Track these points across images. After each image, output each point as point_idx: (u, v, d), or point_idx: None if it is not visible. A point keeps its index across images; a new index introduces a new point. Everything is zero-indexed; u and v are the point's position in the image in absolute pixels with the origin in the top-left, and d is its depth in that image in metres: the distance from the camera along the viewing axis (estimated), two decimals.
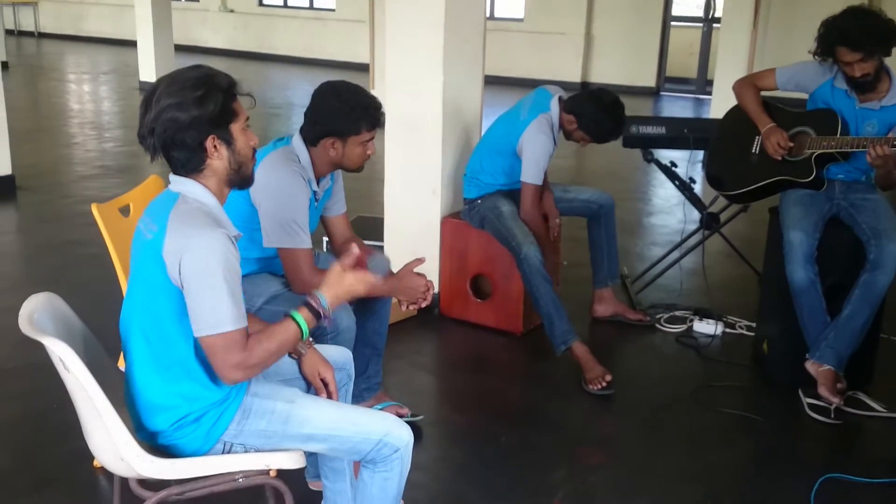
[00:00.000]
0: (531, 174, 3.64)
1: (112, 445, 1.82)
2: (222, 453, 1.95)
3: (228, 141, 1.88)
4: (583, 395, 3.38)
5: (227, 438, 1.94)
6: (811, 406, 3.24)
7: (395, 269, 2.77)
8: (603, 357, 3.51)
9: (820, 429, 3.17)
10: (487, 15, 4.50)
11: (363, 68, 9.84)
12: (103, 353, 2.11)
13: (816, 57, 3.35)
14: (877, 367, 3.47)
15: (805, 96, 3.52)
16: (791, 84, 3.53)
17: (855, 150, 3.27)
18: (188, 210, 1.82)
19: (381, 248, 4.16)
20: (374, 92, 2.69)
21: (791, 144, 3.45)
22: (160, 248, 1.78)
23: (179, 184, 1.88)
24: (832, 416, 3.19)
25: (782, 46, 9.70)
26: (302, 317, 1.91)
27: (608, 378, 3.38)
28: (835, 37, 3.22)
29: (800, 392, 3.31)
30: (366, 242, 2.87)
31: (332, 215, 2.87)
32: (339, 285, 1.98)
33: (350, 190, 3.13)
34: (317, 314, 1.93)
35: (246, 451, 1.96)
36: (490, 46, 4.39)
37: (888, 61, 3.30)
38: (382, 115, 2.63)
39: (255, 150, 1.97)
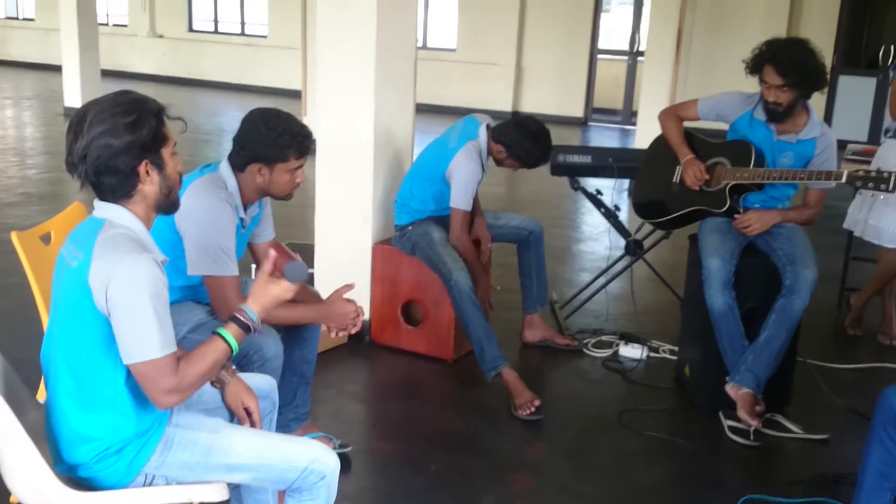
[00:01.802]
0: (460, 200, 3.68)
1: (30, 479, 1.77)
2: (144, 486, 1.90)
3: (160, 165, 1.87)
4: (512, 420, 3.41)
5: (148, 470, 1.90)
6: (732, 428, 3.34)
7: (324, 296, 2.78)
8: (532, 382, 3.55)
9: (740, 450, 3.26)
10: (420, 45, 4.56)
11: (295, 95, 9.81)
12: (21, 384, 2.05)
13: (746, 69, 3.45)
14: (793, 390, 3.59)
15: (726, 126, 3.66)
16: (712, 114, 3.65)
17: (767, 182, 3.41)
18: (114, 236, 1.79)
19: (312, 274, 4.14)
20: (305, 119, 2.70)
21: (707, 177, 3.57)
22: (86, 276, 1.75)
23: (105, 210, 1.86)
24: (752, 437, 3.28)
25: (703, 79, 10.06)
26: (230, 333, 1.90)
27: (537, 403, 3.42)
28: (769, 55, 3.32)
29: (721, 415, 3.41)
30: None
31: (260, 242, 2.85)
32: (264, 295, 1.97)
33: (281, 216, 3.11)
34: (245, 328, 1.92)
35: (168, 484, 1.92)
36: (423, 75, 4.45)
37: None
38: (312, 143, 2.63)
39: (181, 175, 1.96)
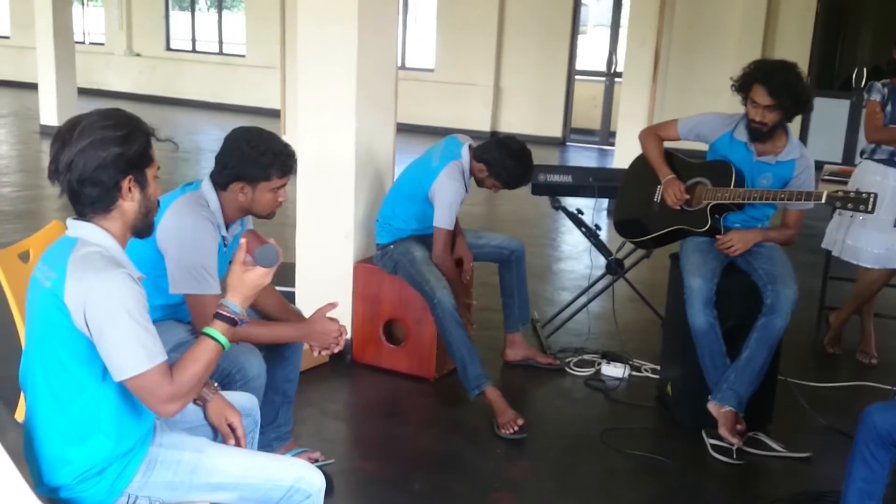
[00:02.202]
0: (443, 219, 3.68)
1: (10, 501, 1.73)
2: None
3: (143, 185, 1.87)
4: (495, 439, 3.40)
5: (131, 491, 1.87)
6: (714, 447, 3.34)
7: (306, 315, 2.75)
8: (515, 401, 3.54)
9: (723, 469, 3.27)
10: (399, 65, 4.57)
11: (274, 114, 9.80)
12: (0, 404, 2.01)
13: (733, 87, 3.50)
14: (775, 408, 3.61)
15: (706, 147, 3.69)
16: (692, 134, 3.69)
17: (747, 202, 3.45)
18: (87, 254, 1.77)
19: (293, 293, 4.12)
20: (285, 138, 2.68)
21: (687, 196, 3.60)
22: (61, 296, 1.73)
23: (78, 228, 1.84)
24: (734, 456, 3.29)
25: (679, 100, 10.16)
26: (217, 330, 1.88)
27: (520, 422, 3.41)
28: (760, 75, 3.37)
29: (703, 433, 3.41)
30: (277, 289, 2.83)
31: None
32: (243, 285, 1.96)
33: (262, 234, 3.09)
34: (230, 321, 1.91)
35: None
36: (401, 95, 4.45)
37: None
38: (294, 162, 2.62)
39: (158, 202, 1.95)
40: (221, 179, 2.58)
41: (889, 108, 4.13)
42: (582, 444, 3.43)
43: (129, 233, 1.90)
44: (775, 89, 3.33)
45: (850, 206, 3.28)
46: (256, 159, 2.53)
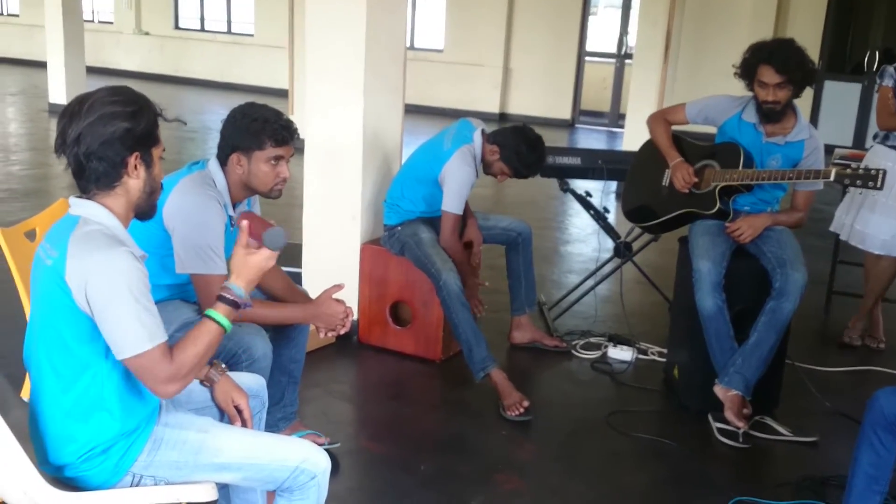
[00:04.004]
0: (452, 204, 3.66)
1: (15, 479, 1.74)
2: (131, 486, 1.88)
3: (149, 163, 1.87)
4: (501, 421, 3.40)
5: (136, 470, 1.87)
6: (721, 430, 3.34)
7: (312, 296, 2.75)
8: (521, 383, 3.54)
9: (729, 452, 3.26)
10: (408, 45, 4.54)
11: (282, 94, 9.76)
12: (4, 382, 2.02)
13: (737, 75, 3.48)
14: (782, 392, 3.60)
15: (714, 130, 3.66)
16: (700, 118, 3.66)
17: (756, 182, 3.42)
18: (88, 233, 1.77)
19: (300, 274, 4.12)
20: (293, 117, 2.67)
21: (696, 179, 3.58)
22: (62, 274, 1.73)
23: (80, 206, 1.83)
24: (741, 440, 3.28)
25: (691, 82, 10.09)
26: (219, 312, 1.88)
27: (526, 404, 3.41)
28: (764, 55, 3.35)
29: (709, 417, 3.41)
30: (284, 269, 2.83)
31: None
32: (246, 268, 1.94)
33: (268, 215, 3.06)
34: (233, 304, 1.90)
35: (156, 484, 1.90)
36: (410, 76, 4.43)
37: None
38: (291, 132, 2.56)
39: (161, 184, 1.95)
40: (222, 154, 2.58)
41: None
42: (588, 427, 3.43)
43: (131, 212, 1.90)
44: (782, 65, 3.31)
45: (859, 182, 3.26)
46: (248, 126, 2.52)
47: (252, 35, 14.89)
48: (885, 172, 3.25)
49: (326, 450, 2.23)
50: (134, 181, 1.85)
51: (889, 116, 4.14)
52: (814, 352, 4.18)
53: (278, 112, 2.59)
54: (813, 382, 3.72)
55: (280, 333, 2.76)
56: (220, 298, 1.90)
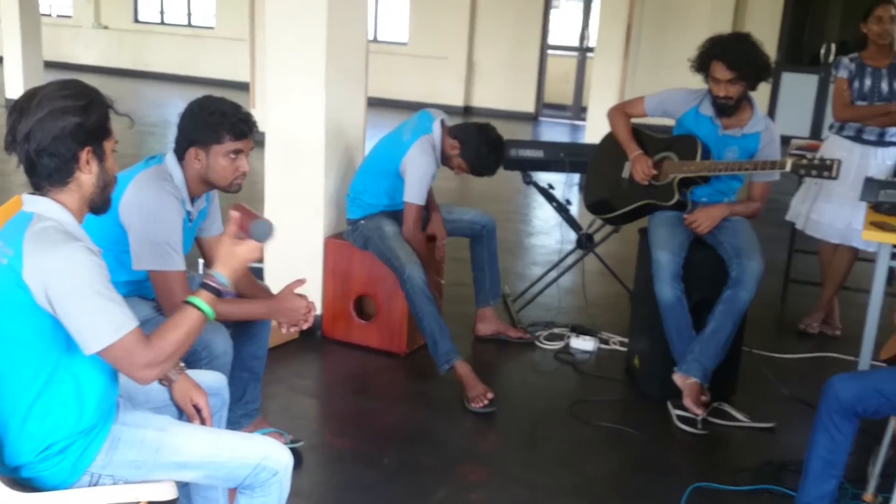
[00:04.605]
0: (413, 194, 3.67)
1: None
2: (89, 486, 1.86)
3: (101, 157, 1.84)
4: (465, 413, 3.42)
5: (94, 470, 1.85)
6: (680, 418, 3.39)
7: (274, 291, 2.74)
8: (485, 375, 3.56)
9: (689, 439, 3.31)
10: (371, 38, 4.53)
11: (243, 87, 9.66)
12: None
13: (693, 68, 3.53)
14: (740, 379, 3.66)
15: (673, 122, 3.71)
16: (659, 111, 3.71)
17: (713, 174, 3.48)
18: (43, 229, 1.74)
19: (261, 269, 4.09)
20: (254, 110, 2.65)
21: (655, 171, 3.62)
22: (19, 272, 1.70)
23: (33, 203, 1.81)
24: (699, 426, 3.34)
25: (651, 75, 10.17)
26: (201, 299, 1.87)
27: (490, 396, 3.43)
28: (717, 51, 3.41)
29: (669, 404, 3.46)
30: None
31: (207, 236, 2.80)
32: (232, 257, 1.94)
33: (229, 209, 3.06)
34: (216, 292, 1.89)
35: (115, 483, 1.88)
36: (374, 69, 4.41)
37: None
38: (249, 125, 2.54)
39: (115, 177, 1.93)
40: (180, 149, 2.55)
41: (856, 84, 4.16)
42: (551, 417, 3.46)
43: (85, 207, 1.87)
44: (734, 62, 3.36)
45: (814, 172, 3.33)
46: (205, 120, 2.49)
47: (213, 28, 14.72)
48: (839, 162, 3.32)
49: (290, 447, 2.23)
50: (87, 176, 1.83)
51: (844, 107, 4.21)
52: (771, 339, 4.26)
53: (237, 105, 2.57)
54: (770, 369, 3.79)
55: (241, 330, 2.75)
56: (204, 286, 1.89)
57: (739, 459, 3.20)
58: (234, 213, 2.00)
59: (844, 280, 4.42)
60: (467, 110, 12.60)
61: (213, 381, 2.25)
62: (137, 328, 1.77)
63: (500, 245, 4.23)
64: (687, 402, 3.35)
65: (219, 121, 2.49)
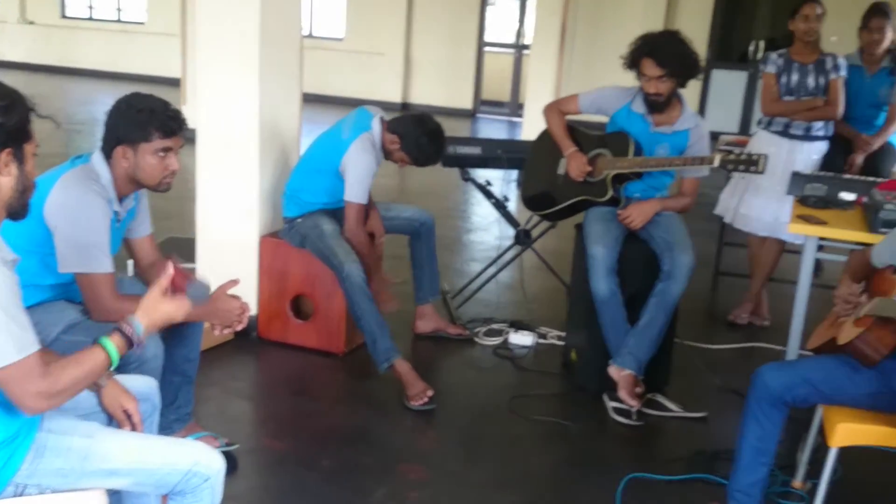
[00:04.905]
0: (355, 193, 3.64)
1: None
2: (14, 496, 1.79)
3: (21, 160, 1.77)
4: (405, 412, 3.41)
5: (19, 480, 1.79)
6: (615, 410, 3.44)
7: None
8: (425, 373, 3.55)
9: (625, 431, 3.37)
10: (306, 33, 4.47)
11: (174, 83, 9.46)
12: None
13: (624, 65, 3.58)
14: (672, 371, 3.74)
15: (606, 119, 3.76)
16: (593, 108, 3.76)
17: (645, 170, 3.54)
18: None
19: (194, 269, 4.01)
20: (185, 107, 2.59)
21: (589, 168, 3.67)
22: None
23: None
24: (634, 418, 3.40)
25: (586, 72, 10.32)
26: (113, 344, 1.81)
27: (430, 393, 3.43)
28: (647, 49, 3.47)
29: (605, 397, 3.51)
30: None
31: (136, 237, 2.73)
32: (155, 311, 1.90)
33: (159, 209, 3.00)
34: (129, 341, 1.84)
35: (41, 493, 1.82)
36: (310, 65, 4.36)
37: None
38: (179, 123, 2.48)
39: (34, 183, 1.85)
40: (107, 147, 2.48)
41: (784, 79, 4.28)
42: (490, 413, 3.47)
43: (3, 212, 1.80)
44: (663, 59, 3.43)
45: (742, 167, 3.41)
46: (134, 118, 2.43)
47: (143, 23, 14.38)
48: (766, 157, 3.41)
49: (225, 451, 2.19)
50: (5, 179, 1.75)
51: (772, 103, 4.34)
52: (702, 330, 4.36)
53: (165, 102, 2.51)
54: (701, 360, 3.88)
55: (172, 332, 2.68)
56: (118, 330, 1.84)
57: (673, 449, 3.26)
58: (169, 269, 1.94)
59: (772, 272, 4.55)
60: (405, 107, 12.56)
61: (143, 385, 2.19)
62: (39, 354, 1.70)
63: (439, 242, 4.23)
64: (622, 393, 3.40)
65: (147, 118, 2.43)
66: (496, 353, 4.04)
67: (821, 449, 2.71)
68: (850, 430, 2.45)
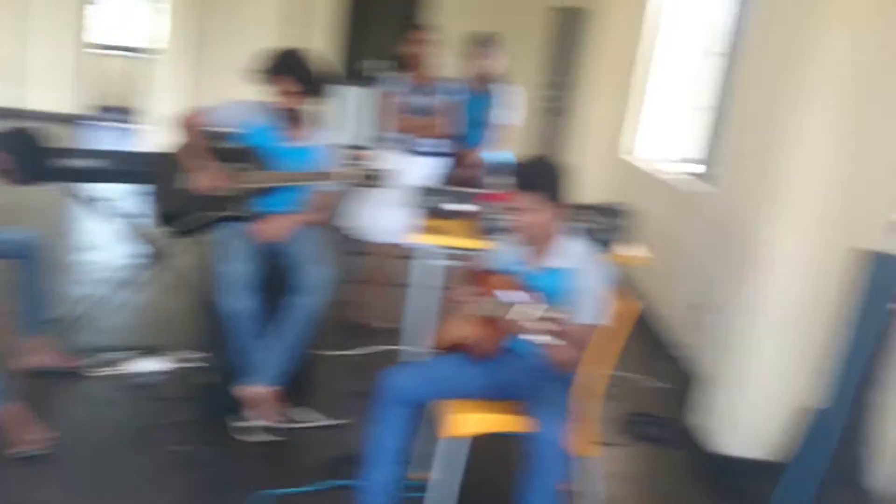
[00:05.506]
0: None
1: None
2: None
3: None
4: (16, 459, 3.01)
5: None
6: (249, 429, 3.38)
7: None
8: (40, 414, 3.19)
9: (265, 449, 3.32)
10: None
11: None
12: None
13: (260, 80, 3.59)
14: (311, 381, 3.77)
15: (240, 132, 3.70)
16: (226, 121, 3.70)
17: (277, 184, 3.56)
18: None
19: None
20: None
21: (223, 182, 3.59)
22: None
23: None
24: (275, 434, 3.37)
25: (217, 83, 10.03)
26: None
27: (45, 436, 3.07)
28: (287, 67, 3.54)
29: (242, 416, 3.43)
30: None
31: None
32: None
33: None
34: None
35: None
36: None
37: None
38: None
39: None
40: None
41: (401, 98, 4.62)
42: (117, 449, 3.21)
43: None
44: (302, 78, 3.54)
45: (364, 182, 3.59)
46: None
47: None
48: (388, 171, 3.64)
49: None
50: None
51: (390, 120, 4.65)
52: (336, 339, 4.46)
53: None
54: (340, 368, 3.97)
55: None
56: None
57: (314, 459, 3.29)
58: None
59: (396, 277, 4.84)
60: (11, 113, 11.20)
61: None
62: None
63: (49, 265, 3.79)
64: (258, 411, 3.36)
65: None
66: (121, 384, 3.74)
67: (432, 441, 2.87)
68: (460, 420, 2.69)
